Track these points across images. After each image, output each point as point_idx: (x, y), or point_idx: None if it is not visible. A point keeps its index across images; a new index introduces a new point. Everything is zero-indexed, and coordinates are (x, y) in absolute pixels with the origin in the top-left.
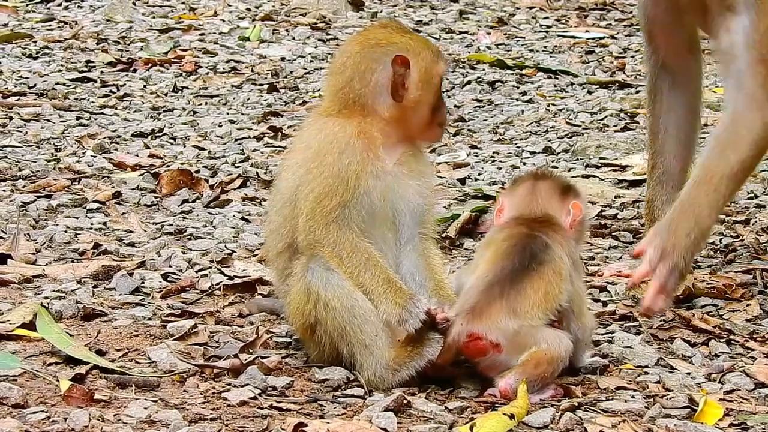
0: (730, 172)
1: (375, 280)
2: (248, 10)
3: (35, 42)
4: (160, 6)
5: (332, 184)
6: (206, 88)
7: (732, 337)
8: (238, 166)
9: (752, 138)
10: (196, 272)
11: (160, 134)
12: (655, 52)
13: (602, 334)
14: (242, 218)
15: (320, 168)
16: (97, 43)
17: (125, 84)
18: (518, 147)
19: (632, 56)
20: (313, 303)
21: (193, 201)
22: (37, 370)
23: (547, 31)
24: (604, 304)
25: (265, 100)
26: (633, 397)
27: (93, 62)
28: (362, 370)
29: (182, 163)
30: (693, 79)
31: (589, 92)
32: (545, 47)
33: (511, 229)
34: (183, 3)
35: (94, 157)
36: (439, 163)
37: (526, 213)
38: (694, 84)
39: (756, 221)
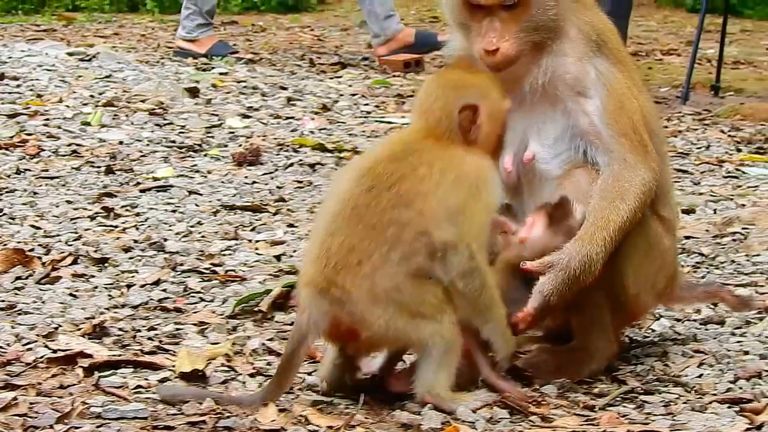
0: (620, 220)
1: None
2: (92, 96)
3: None
4: (9, 93)
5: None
6: (47, 170)
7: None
8: (71, 245)
9: (634, 192)
10: (23, 346)
11: (0, 215)
12: None
13: None
14: (70, 294)
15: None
16: None
17: None
18: None
19: None
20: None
21: (26, 278)
22: None
23: (366, 117)
24: None
25: (102, 181)
26: None
27: None
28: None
29: (18, 242)
30: None
31: None
32: (363, 131)
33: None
34: (31, 90)
35: None
36: (258, 241)
37: None
38: None
39: None
